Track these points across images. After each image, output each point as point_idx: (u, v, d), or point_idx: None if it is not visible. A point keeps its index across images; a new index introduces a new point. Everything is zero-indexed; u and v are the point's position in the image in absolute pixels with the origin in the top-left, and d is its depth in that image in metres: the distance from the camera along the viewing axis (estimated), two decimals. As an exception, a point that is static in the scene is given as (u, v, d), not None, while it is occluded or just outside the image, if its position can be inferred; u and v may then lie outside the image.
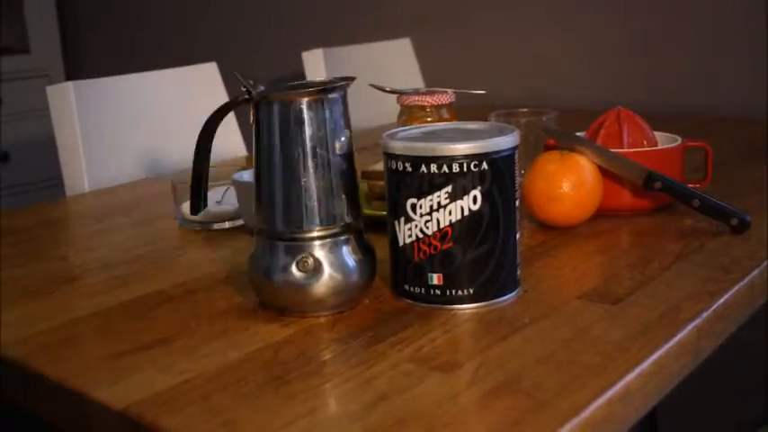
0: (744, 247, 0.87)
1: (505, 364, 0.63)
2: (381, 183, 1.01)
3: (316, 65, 1.87)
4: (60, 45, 3.06)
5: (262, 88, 0.74)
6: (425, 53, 2.14)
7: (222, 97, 1.72)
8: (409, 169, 0.72)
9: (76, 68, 3.12)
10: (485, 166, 0.72)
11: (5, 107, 2.84)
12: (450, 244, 0.73)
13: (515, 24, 2.05)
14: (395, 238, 0.76)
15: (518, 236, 0.76)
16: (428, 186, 0.72)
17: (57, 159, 1.46)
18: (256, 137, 0.75)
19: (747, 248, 0.86)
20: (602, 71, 1.93)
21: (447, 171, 0.71)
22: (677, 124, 1.14)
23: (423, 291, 0.75)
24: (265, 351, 0.68)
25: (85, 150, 1.46)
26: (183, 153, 1.23)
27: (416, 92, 1.20)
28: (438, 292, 0.74)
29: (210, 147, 0.78)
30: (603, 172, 0.96)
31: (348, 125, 0.75)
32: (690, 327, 0.69)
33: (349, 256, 0.74)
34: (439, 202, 0.72)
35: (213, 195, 0.97)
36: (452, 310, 0.74)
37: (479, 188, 0.72)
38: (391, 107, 1.25)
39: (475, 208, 0.72)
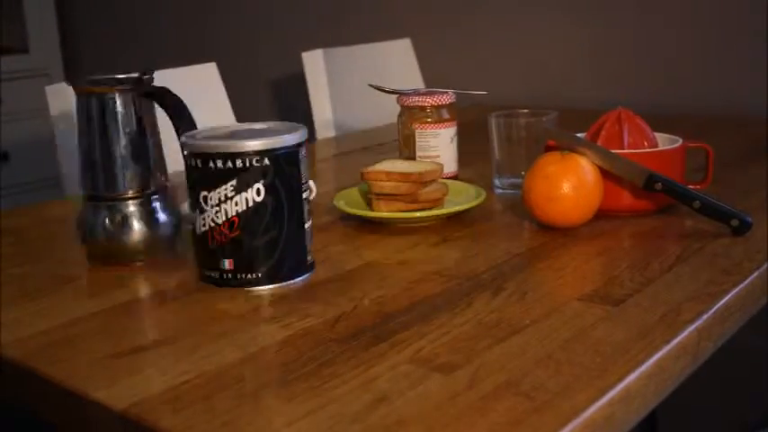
0: (744, 249, 0.87)
1: (506, 365, 0.63)
2: (381, 183, 1.01)
3: (316, 65, 1.87)
4: (60, 45, 3.06)
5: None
6: (425, 53, 2.14)
7: (222, 97, 1.72)
8: (200, 165, 0.80)
9: (76, 68, 3.11)
10: (266, 161, 0.79)
11: (5, 107, 2.84)
12: (237, 232, 0.80)
13: (516, 25, 2.05)
14: (194, 228, 0.83)
15: (308, 225, 0.84)
16: (215, 180, 0.79)
17: (56, 159, 1.46)
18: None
19: (748, 250, 0.86)
20: (602, 72, 1.93)
21: (232, 166, 0.78)
22: (678, 125, 1.14)
23: (218, 275, 0.82)
24: (265, 351, 0.68)
25: (85, 150, 1.46)
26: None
27: (416, 92, 1.20)
28: (230, 276, 0.81)
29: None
30: (604, 173, 0.96)
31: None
32: (690, 328, 0.69)
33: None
34: (226, 195, 0.79)
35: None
36: (252, 291, 0.81)
37: (262, 181, 0.79)
38: (391, 107, 1.25)
39: (259, 199, 0.79)
